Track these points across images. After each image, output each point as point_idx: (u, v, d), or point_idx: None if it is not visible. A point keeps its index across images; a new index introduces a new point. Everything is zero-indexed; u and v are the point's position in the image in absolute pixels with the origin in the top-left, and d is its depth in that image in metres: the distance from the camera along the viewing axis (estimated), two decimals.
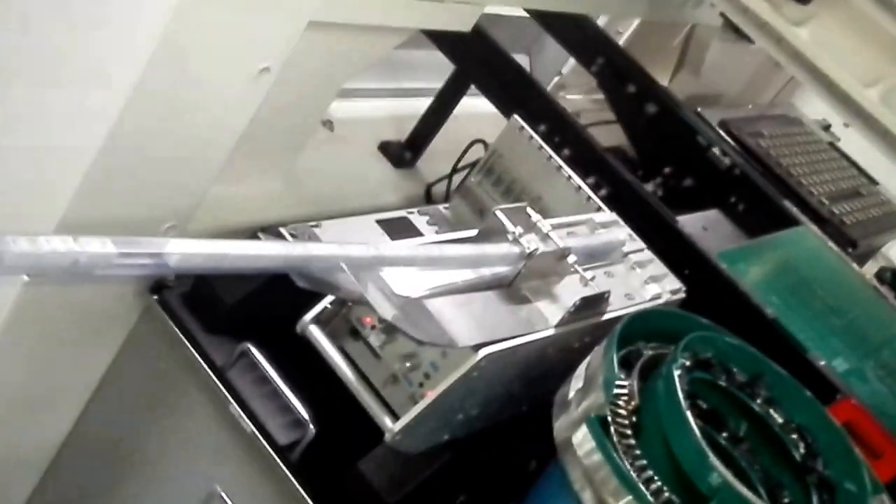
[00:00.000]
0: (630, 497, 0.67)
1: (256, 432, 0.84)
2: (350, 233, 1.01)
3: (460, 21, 1.01)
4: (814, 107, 1.88)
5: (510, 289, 0.84)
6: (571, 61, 1.59)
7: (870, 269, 1.24)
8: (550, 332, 0.82)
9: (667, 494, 0.68)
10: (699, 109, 1.47)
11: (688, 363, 0.76)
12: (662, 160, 1.28)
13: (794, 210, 1.29)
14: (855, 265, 1.26)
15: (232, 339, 0.88)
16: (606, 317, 0.87)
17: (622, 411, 0.72)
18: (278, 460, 0.83)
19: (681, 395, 0.69)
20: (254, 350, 0.86)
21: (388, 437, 0.77)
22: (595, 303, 0.85)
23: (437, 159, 1.27)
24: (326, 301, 0.80)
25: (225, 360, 0.87)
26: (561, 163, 1.07)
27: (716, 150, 1.24)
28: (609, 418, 0.71)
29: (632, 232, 1.01)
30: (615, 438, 0.70)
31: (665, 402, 0.71)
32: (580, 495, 0.70)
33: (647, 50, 1.57)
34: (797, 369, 0.84)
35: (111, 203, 0.78)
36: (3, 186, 0.78)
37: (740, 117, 1.59)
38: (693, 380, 0.76)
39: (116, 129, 0.72)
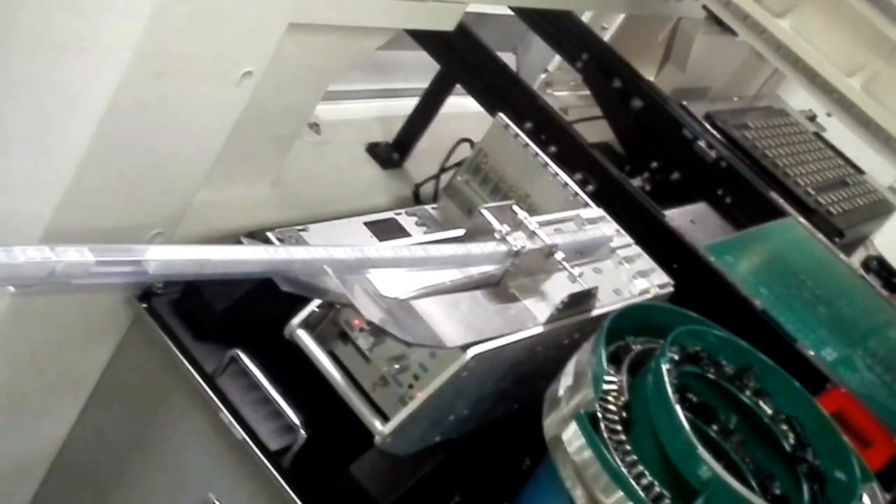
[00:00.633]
0: (620, 493, 0.67)
1: (247, 439, 0.83)
2: (338, 235, 1.01)
3: (443, 20, 1.01)
4: (799, 98, 1.89)
5: (498, 287, 0.84)
6: (557, 58, 1.59)
7: (857, 257, 1.25)
8: (539, 329, 0.82)
9: (657, 489, 0.68)
10: (685, 103, 1.47)
11: (676, 357, 0.76)
12: (649, 154, 1.28)
13: (781, 201, 1.29)
14: (842, 255, 1.27)
15: (221, 345, 0.88)
16: (595, 313, 0.87)
17: (612, 407, 0.72)
18: (270, 466, 0.82)
19: (670, 389, 0.69)
20: (243, 356, 0.86)
21: (378, 439, 0.77)
22: (583, 299, 0.85)
23: (424, 159, 1.27)
24: (314, 305, 0.80)
25: (214, 367, 0.87)
26: (547, 160, 1.07)
27: (702, 144, 1.25)
28: (599, 414, 0.71)
29: (619, 227, 1.01)
30: (605, 434, 0.70)
31: (654, 396, 0.71)
32: (571, 492, 0.70)
33: (633, 45, 1.57)
34: (786, 360, 0.85)
35: (96, 212, 0.78)
36: None
37: (726, 110, 1.60)
38: (682, 373, 0.76)
39: (99, 137, 0.72)
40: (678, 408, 0.69)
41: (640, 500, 0.67)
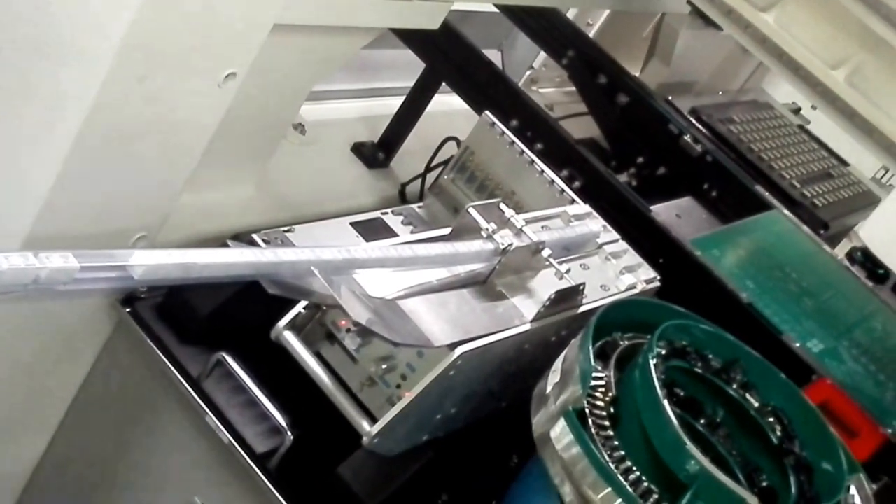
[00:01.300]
0: (609, 488, 0.67)
1: (234, 442, 0.83)
2: (324, 236, 1.00)
3: (428, 19, 1.01)
4: (784, 91, 1.90)
5: (485, 286, 0.84)
6: (542, 55, 1.59)
7: (842, 249, 1.25)
8: (526, 327, 0.82)
9: (646, 484, 0.68)
10: (670, 98, 1.48)
11: (663, 352, 0.76)
12: (635, 150, 1.29)
13: (766, 194, 1.30)
14: (827, 247, 1.28)
15: (206, 348, 0.87)
16: (582, 309, 0.87)
17: (599, 403, 0.72)
18: (256, 469, 0.82)
19: (657, 383, 0.70)
20: (229, 359, 0.86)
21: (365, 440, 0.76)
22: (570, 296, 0.85)
23: (410, 158, 1.27)
24: (300, 306, 0.79)
25: (200, 371, 0.87)
26: (533, 157, 1.07)
27: (687, 138, 1.25)
28: (587, 410, 0.71)
29: (606, 223, 1.01)
30: (593, 430, 0.70)
31: (641, 391, 0.71)
32: (560, 489, 0.70)
33: (618, 41, 1.57)
34: (773, 352, 0.85)
35: (78, 217, 0.77)
36: None
37: (711, 104, 1.60)
38: (669, 368, 0.77)
39: (80, 141, 0.71)
40: (666, 403, 0.69)
41: (629, 495, 0.67)
